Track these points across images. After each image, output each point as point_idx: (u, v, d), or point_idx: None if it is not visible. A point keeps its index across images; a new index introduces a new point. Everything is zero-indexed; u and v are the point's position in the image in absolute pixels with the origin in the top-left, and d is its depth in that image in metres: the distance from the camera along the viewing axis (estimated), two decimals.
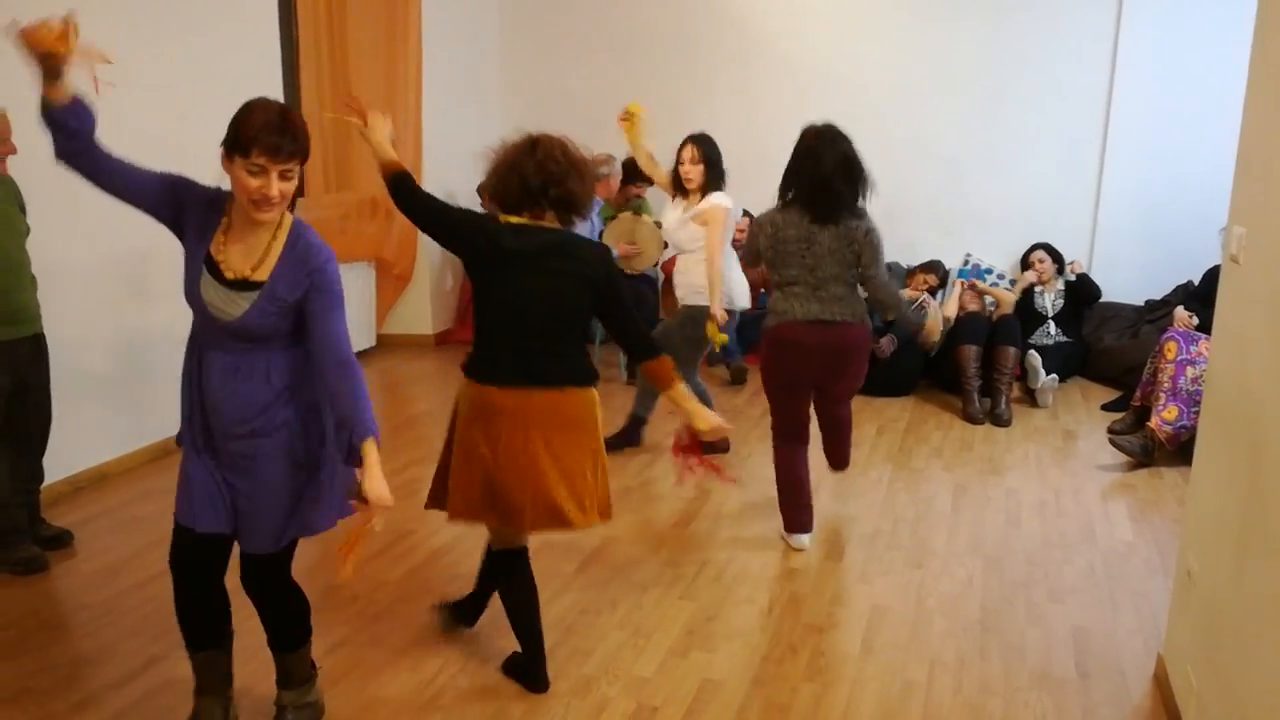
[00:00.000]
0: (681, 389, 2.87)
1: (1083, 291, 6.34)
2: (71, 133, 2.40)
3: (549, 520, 2.79)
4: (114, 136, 4.46)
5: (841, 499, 4.45)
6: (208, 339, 2.41)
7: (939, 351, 6.03)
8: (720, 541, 4.01)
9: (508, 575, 2.96)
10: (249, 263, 2.35)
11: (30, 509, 3.80)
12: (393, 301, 7.21)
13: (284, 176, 2.28)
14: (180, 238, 2.41)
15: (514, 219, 2.78)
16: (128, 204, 2.43)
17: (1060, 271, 6.45)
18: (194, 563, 2.51)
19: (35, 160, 3.77)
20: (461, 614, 3.25)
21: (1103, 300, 6.76)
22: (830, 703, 2.92)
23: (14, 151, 3.52)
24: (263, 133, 2.22)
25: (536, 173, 2.74)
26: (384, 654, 3.13)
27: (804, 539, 3.95)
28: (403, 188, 2.86)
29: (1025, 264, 6.56)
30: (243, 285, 2.34)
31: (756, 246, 3.81)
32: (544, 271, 2.74)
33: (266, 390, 2.38)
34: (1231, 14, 6.21)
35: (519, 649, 2.98)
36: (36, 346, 3.71)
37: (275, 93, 5.36)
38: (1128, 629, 3.37)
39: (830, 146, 3.62)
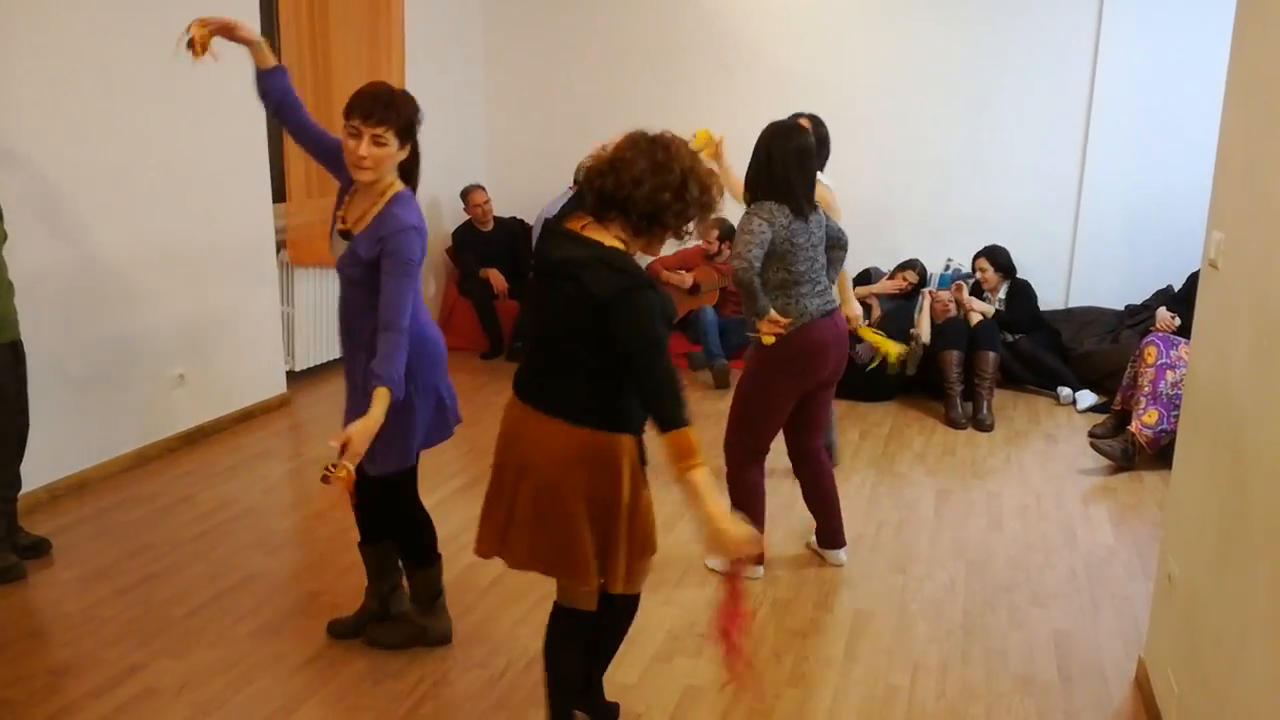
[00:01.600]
0: (702, 478, 2.27)
1: (1016, 302, 6.33)
2: (282, 93, 2.98)
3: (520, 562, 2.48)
4: (88, 167, 4.44)
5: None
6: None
7: (919, 365, 6.05)
8: (702, 548, 3.99)
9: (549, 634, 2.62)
10: (354, 218, 2.80)
11: (8, 517, 3.76)
12: None
13: (376, 141, 2.66)
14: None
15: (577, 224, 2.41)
16: (317, 160, 2.96)
17: (1003, 279, 6.38)
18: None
19: (12, 166, 3.76)
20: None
21: (1083, 305, 6.81)
22: (813, 708, 2.92)
23: None
24: (359, 100, 2.66)
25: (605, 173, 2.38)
26: (365, 664, 3.11)
27: (759, 570, 3.79)
28: None
29: (972, 270, 6.53)
30: (345, 235, 2.80)
31: (766, 244, 3.49)
32: (556, 288, 2.34)
33: (360, 328, 2.81)
34: (1210, 20, 6.26)
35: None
36: (14, 353, 3.67)
37: (252, 99, 5.32)
38: (1109, 632, 3.39)
39: (789, 139, 3.54)
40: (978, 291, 6.36)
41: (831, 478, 3.86)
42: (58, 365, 4.28)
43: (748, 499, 3.66)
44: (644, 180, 2.24)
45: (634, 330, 2.27)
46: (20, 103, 4.03)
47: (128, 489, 4.46)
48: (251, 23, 5.24)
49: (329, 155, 2.90)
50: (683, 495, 2.27)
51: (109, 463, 4.59)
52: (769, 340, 3.52)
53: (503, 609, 3.46)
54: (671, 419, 2.26)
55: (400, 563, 3.17)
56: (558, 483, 2.36)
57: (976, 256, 6.47)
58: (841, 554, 3.89)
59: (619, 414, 2.40)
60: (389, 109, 2.66)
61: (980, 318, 6.06)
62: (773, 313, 3.51)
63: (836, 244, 3.76)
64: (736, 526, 2.24)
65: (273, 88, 2.96)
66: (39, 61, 4.10)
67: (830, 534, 3.88)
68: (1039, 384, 6.24)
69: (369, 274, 2.71)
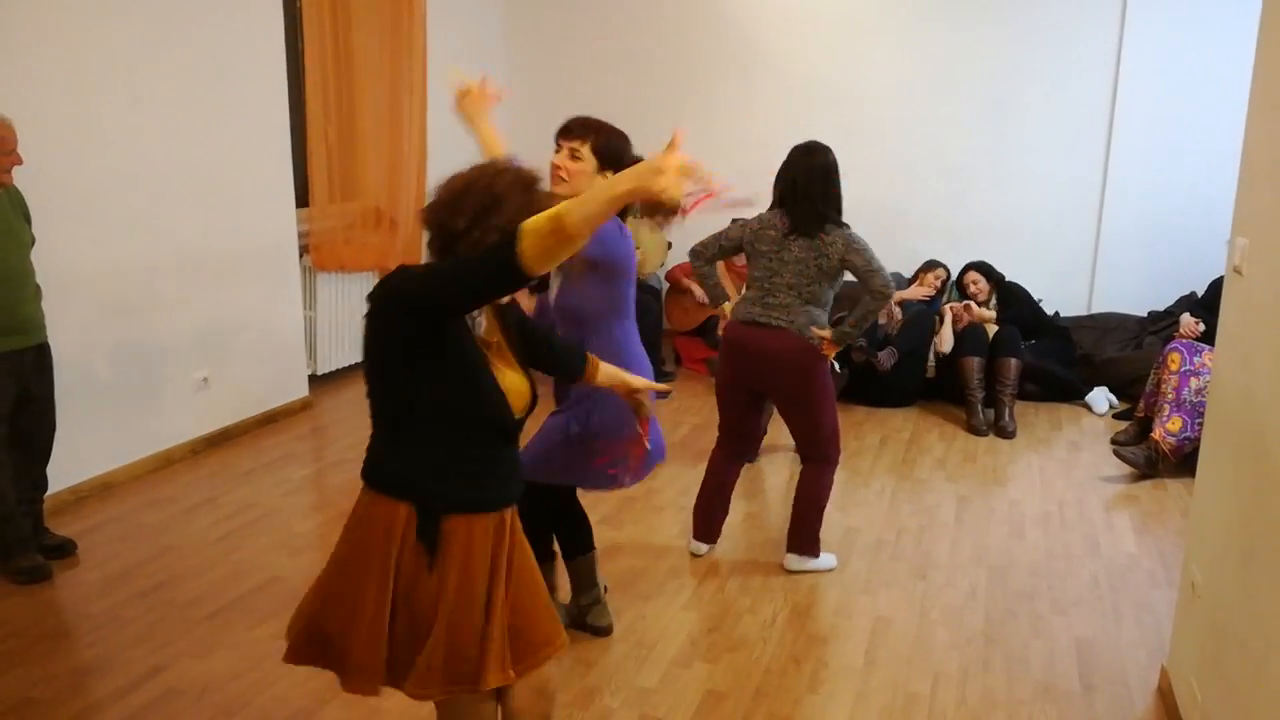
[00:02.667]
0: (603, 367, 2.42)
1: (1011, 302, 6.26)
2: None
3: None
4: (114, 173, 4.48)
5: (845, 510, 4.44)
6: None
7: (940, 363, 6.03)
8: (722, 552, 4.00)
9: None
10: None
11: (34, 518, 3.81)
12: None
13: (572, 155, 2.91)
14: None
15: None
16: None
17: (996, 290, 6.34)
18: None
19: (41, 170, 3.80)
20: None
21: (1106, 311, 6.76)
22: (833, 715, 2.91)
23: (20, 162, 3.52)
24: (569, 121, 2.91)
25: None
26: None
27: (702, 547, 3.98)
28: None
29: (960, 284, 6.49)
30: None
31: (734, 239, 3.78)
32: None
33: None
34: (1236, 25, 6.21)
35: None
36: (41, 356, 3.71)
37: (280, 101, 5.38)
38: (1131, 641, 3.36)
39: (807, 158, 3.66)
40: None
41: (804, 483, 3.83)
42: (84, 368, 4.32)
43: (705, 477, 3.98)
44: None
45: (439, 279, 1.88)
46: (47, 109, 4.07)
47: (151, 491, 4.50)
48: (276, 28, 5.30)
49: None
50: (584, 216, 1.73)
51: (133, 465, 4.64)
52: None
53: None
54: (501, 252, 1.75)
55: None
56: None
57: (965, 270, 6.41)
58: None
59: (391, 469, 2.01)
60: (583, 125, 2.95)
61: (985, 320, 6.04)
62: (725, 306, 3.89)
63: (866, 286, 3.63)
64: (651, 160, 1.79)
65: None
66: (66, 69, 4.15)
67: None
68: (1048, 398, 6.18)
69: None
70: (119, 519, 4.20)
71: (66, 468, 4.18)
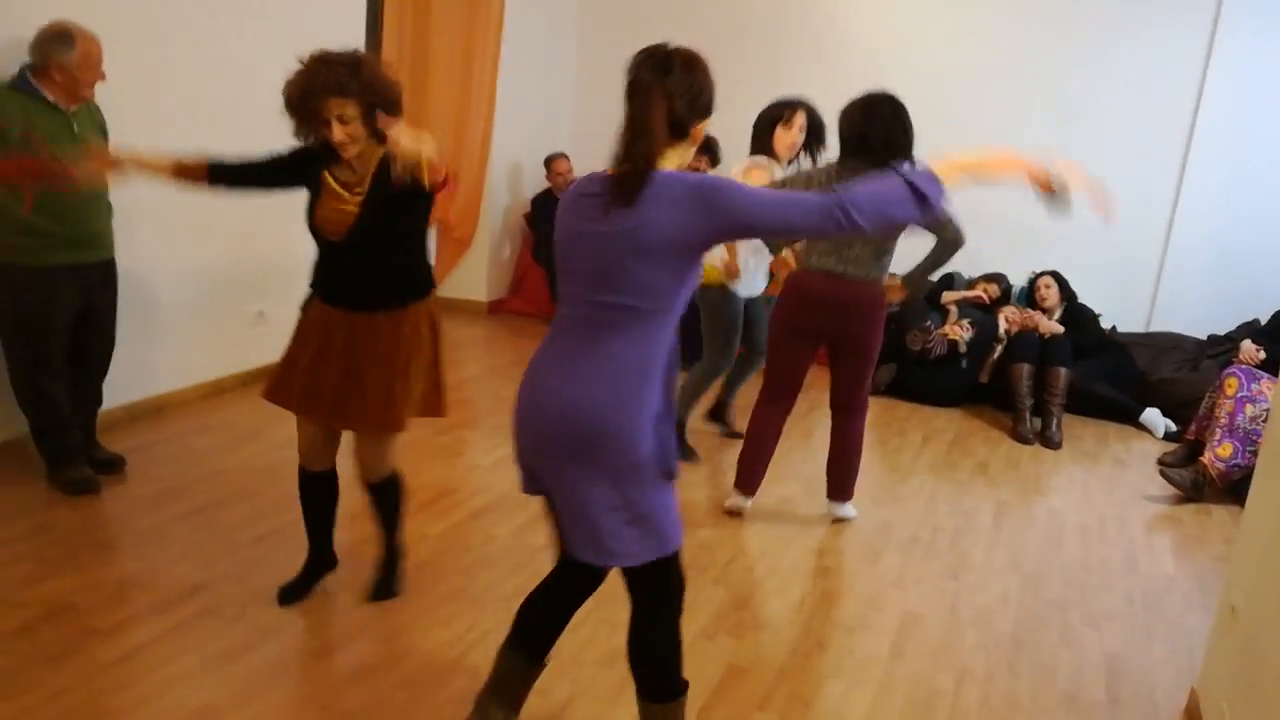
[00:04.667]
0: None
1: (1080, 324, 6.19)
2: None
3: None
4: (197, 114, 4.54)
5: (880, 504, 4.42)
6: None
7: (992, 378, 5.98)
8: (755, 532, 4.01)
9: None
10: None
11: (86, 431, 3.89)
12: (451, 266, 7.26)
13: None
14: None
15: None
16: None
17: (1063, 299, 6.26)
18: None
19: (122, 88, 3.86)
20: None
21: (1165, 331, 6.65)
22: (855, 702, 2.91)
23: (103, 78, 3.58)
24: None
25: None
26: (417, 607, 3.17)
27: (745, 501, 4.08)
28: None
29: (1031, 289, 6.41)
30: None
31: (798, 186, 3.72)
32: None
33: None
34: None
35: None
36: (107, 272, 3.79)
37: (357, 39, 5.40)
38: (1162, 660, 3.33)
39: (891, 109, 3.66)
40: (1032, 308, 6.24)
41: (849, 447, 4.05)
42: (147, 289, 4.40)
43: (749, 430, 4.06)
44: None
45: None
46: (127, 31, 4.13)
47: (203, 416, 4.58)
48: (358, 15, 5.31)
49: None
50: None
51: (187, 389, 4.73)
52: (777, 274, 4.02)
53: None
54: None
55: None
56: None
57: (1040, 275, 6.34)
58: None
59: None
60: None
61: (1053, 331, 5.96)
62: (785, 253, 3.91)
63: (938, 235, 3.75)
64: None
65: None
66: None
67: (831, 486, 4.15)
68: (1095, 415, 6.10)
69: None
70: (169, 440, 4.28)
71: (122, 385, 4.27)
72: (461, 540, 3.67)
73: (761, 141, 4.39)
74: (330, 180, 2.84)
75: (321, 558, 3.20)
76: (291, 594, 3.13)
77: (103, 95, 3.67)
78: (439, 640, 3.00)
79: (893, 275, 3.92)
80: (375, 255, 2.83)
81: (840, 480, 4.10)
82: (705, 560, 3.72)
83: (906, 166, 2.02)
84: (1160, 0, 6.48)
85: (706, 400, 5.11)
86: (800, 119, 4.38)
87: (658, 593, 2.25)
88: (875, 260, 3.77)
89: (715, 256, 4.41)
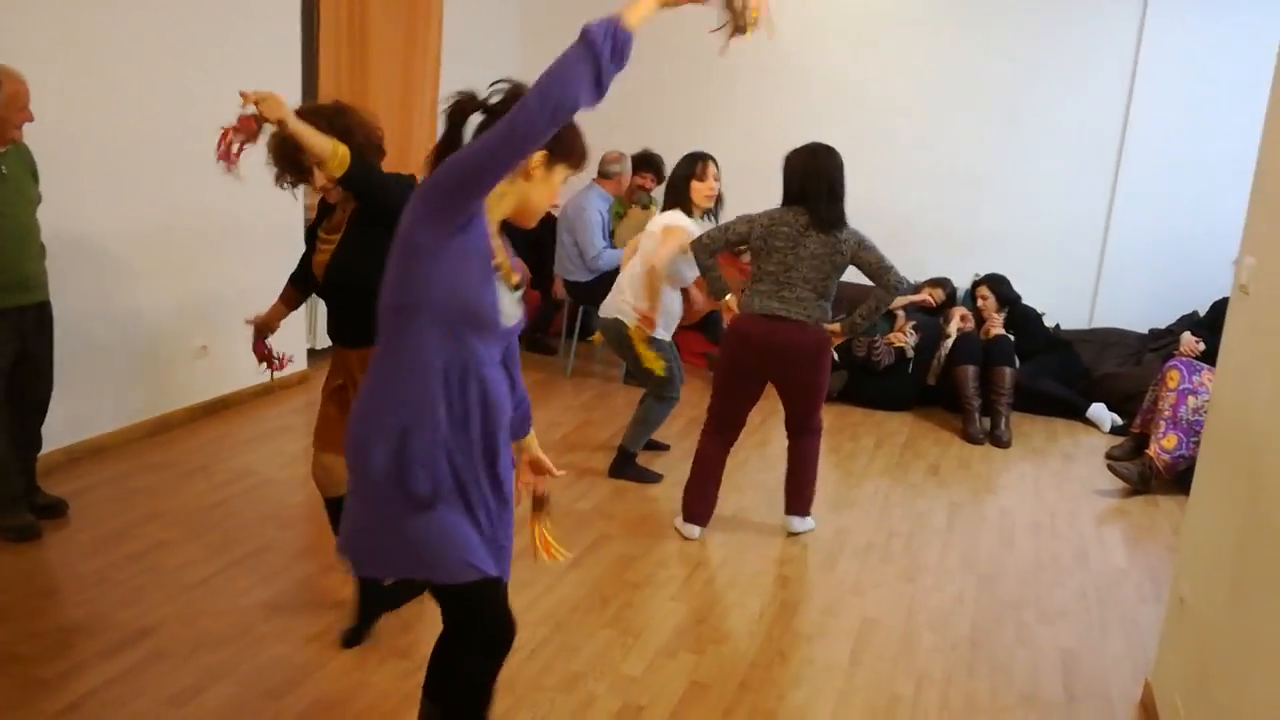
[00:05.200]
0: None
1: (1024, 326, 6.26)
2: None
3: None
4: (126, 136, 4.48)
5: (836, 510, 4.45)
6: (482, 355, 2.01)
7: (941, 370, 6.04)
8: (714, 545, 4.01)
9: None
10: (506, 263, 2.07)
11: (27, 476, 3.80)
12: None
13: None
14: (464, 228, 1.92)
15: None
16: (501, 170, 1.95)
17: (1000, 308, 6.33)
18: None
19: (50, 128, 3.78)
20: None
21: (1106, 326, 6.77)
22: (816, 711, 2.92)
23: (30, 119, 3.51)
24: (583, 152, 2.13)
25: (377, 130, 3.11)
26: (372, 640, 3.12)
27: (695, 530, 4.06)
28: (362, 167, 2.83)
29: (972, 296, 6.48)
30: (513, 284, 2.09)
31: (741, 234, 3.87)
32: None
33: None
34: (1252, 44, 6.22)
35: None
36: (42, 315, 3.71)
37: (293, 72, 5.37)
38: (1116, 654, 3.37)
39: (827, 159, 3.81)
40: (978, 319, 6.29)
41: (801, 452, 4.11)
42: (84, 329, 4.32)
43: (695, 462, 4.09)
44: None
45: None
46: (60, 68, 4.06)
47: (145, 456, 4.49)
48: (293, 17, 5.29)
49: None
50: None
51: (128, 429, 4.63)
52: (697, 309, 4.33)
53: (511, 594, 3.45)
54: None
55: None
56: None
57: (977, 284, 6.43)
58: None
59: None
60: None
61: (998, 333, 6.03)
62: (729, 299, 4.00)
63: (877, 283, 3.82)
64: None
65: None
66: (75, 28, 4.14)
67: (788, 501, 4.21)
68: (1046, 413, 6.18)
69: None
70: (112, 481, 4.19)
71: (62, 428, 4.18)
72: None
73: (679, 194, 4.53)
74: (320, 231, 3.09)
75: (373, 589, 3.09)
76: (355, 637, 3.09)
77: (31, 136, 3.59)
78: (395, 672, 2.96)
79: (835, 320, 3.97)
80: (356, 293, 2.83)
81: (798, 494, 4.13)
82: (664, 576, 3.71)
83: (593, 25, 2.04)
84: (1087, 1, 6.61)
85: (617, 426, 5.14)
86: (713, 169, 4.55)
87: (457, 626, 2.18)
88: (816, 302, 3.82)
89: (628, 316, 4.55)
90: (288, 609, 3.28)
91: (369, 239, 2.80)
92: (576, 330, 6.52)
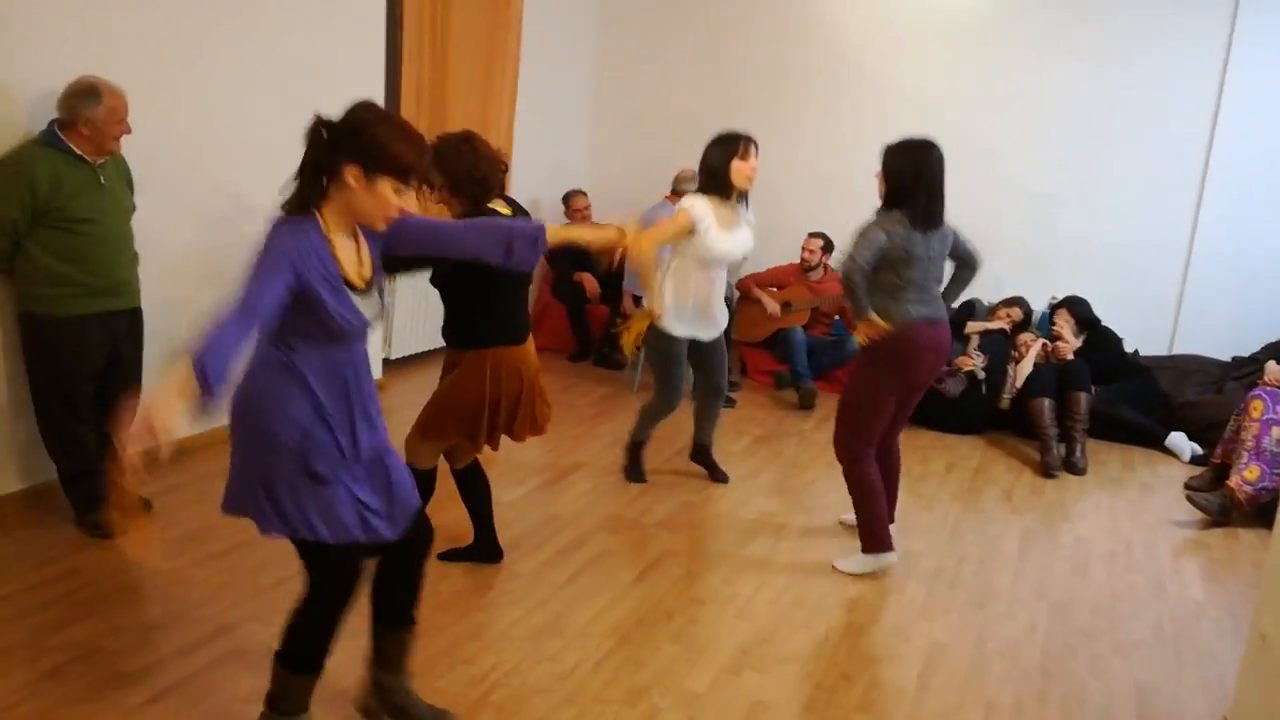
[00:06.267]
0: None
1: (1099, 343, 6.15)
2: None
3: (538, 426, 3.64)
4: (218, 145, 4.62)
5: (906, 533, 4.40)
6: (341, 356, 2.36)
7: (1012, 404, 5.95)
8: (779, 565, 4.00)
9: (478, 475, 3.71)
10: (357, 268, 2.35)
11: None
12: None
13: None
14: (310, 288, 2.24)
15: (498, 206, 3.39)
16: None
17: (1080, 331, 6.23)
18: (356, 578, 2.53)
19: (147, 141, 3.93)
20: (488, 552, 3.80)
21: (1188, 353, 6.61)
22: None
23: (129, 131, 3.65)
24: (419, 162, 2.29)
25: (490, 162, 3.35)
26: (440, 646, 3.17)
27: (894, 556, 3.99)
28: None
29: (1049, 320, 6.38)
30: (365, 287, 2.36)
31: (883, 247, 3.68)
32: None
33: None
34: None
35: (473, 543, 3.77)
36: (133, 320, 3.85)
37: (375, 88, 5.50)
38: (1192, 689, 3.29)
39: (937, 156, 3.74)
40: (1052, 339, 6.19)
41: (898, 471, 4.16)
42: (171, 335, 4.45)
43: (864, 494, 3.91)
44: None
45: None
46: (159, 83, 4.22)
47: (226, 460, 4.60)
48: (378, 24, 5.43)
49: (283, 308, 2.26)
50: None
51: (210, 433, 4.75)
52: (861, 340, 3.82)
53: (577, 606, 3.50)
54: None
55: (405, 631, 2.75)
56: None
57: (1055, 307, 6.34)
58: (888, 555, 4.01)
59: None
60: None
61: (1070, 358, 5.92)
62: (873, 315, 3.75)
63: (965, 264, 4.03)
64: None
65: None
66: (170, 38, 4.29)
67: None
68: (1119, 440, 6.04)
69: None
70: (193, 483, 4.31)
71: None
72: (483, 578, 3.68)
73: (718, 177, 4.31)
74: None
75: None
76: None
77: (129, 148, 3.74)
78: (462, 679, 3.00)
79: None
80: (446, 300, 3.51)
81: (891, 495, 4.13)
82: (728, 594, 3.71)
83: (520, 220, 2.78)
84: (1173, 20, 6.49)
85: (682, 441, 5.21)
86: (754, 149, 4.35)
87: (309, 572, 2.51)
88: (941, 298, 3.91)
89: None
90: (360, 612, 3.33)
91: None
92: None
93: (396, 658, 2.72)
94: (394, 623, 2.68)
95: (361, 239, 2.39)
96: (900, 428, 4.09)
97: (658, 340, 4.50)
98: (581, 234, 2.84)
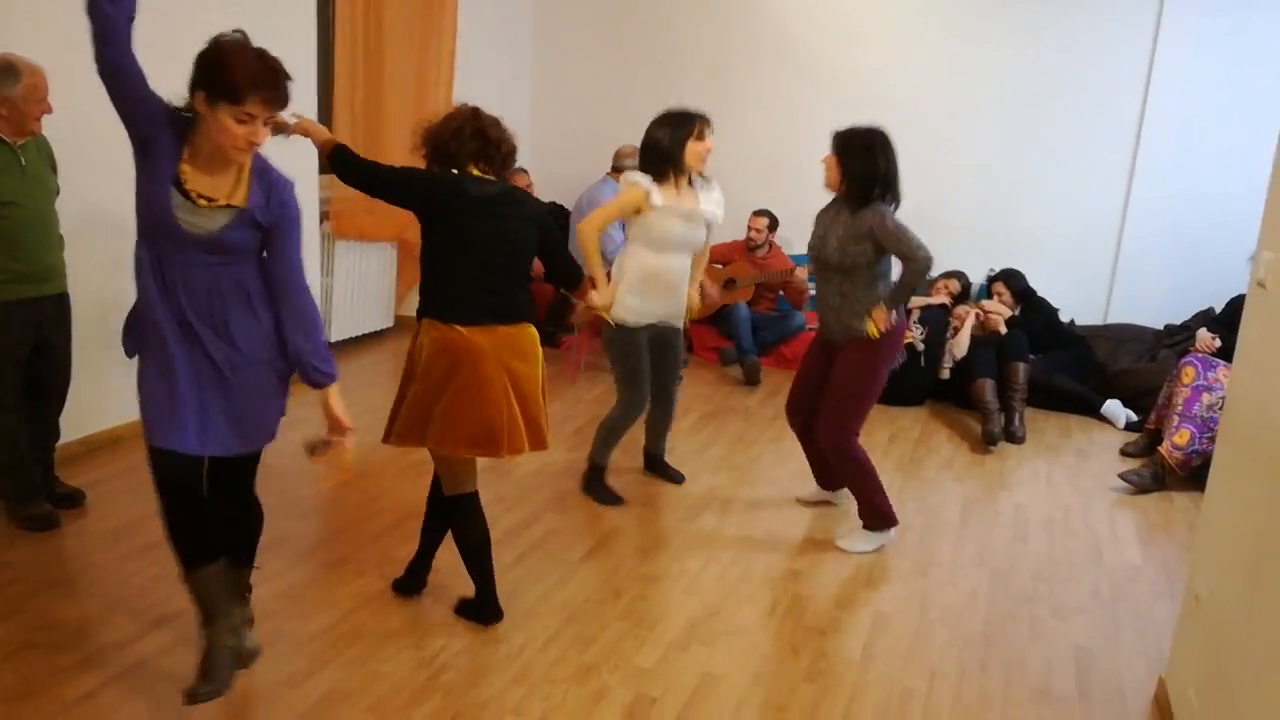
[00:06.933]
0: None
1: (1031, 311, 6.27)
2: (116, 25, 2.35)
3: (529, 441, 3.08)
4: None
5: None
6: (173, 254, 2.46)
7: (952, 374, 6.03)
8: (726, 539, 4.01)
9: (467, 517, 3.14)
10: (220, 191, 2.45)
11: (45, 466, 3.83)
12: (412, 283, 7.21)
13: (269, 123, 2.45)
14: (143, 152, 2.42)
15: (473, 170, 3.06)
16: (123, 106, 2.40)
17: (1016, 303, 6.32)
18: (188, 480, 2.63)
19: (69, 121, 3.81)
20: (413, 583, 3.39)
21: (1122, 322, 6.74)
22: (829, 706, 2.92)
23: (49, 111, 3.53)
24: (256, 85, 2.32)
25: (493, 129, 3.08)
26: (387, 629, 3.14)
27: (894, 532, 4.06)
28: (344, 158, 3.10)
29: (986, 292, 6.49)
30: (214, 206, 2.45)
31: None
32: (504, 216, 3.05)
33: (245, 303, 2.55)
34: (1269, 40, 6.19)
35: (473, 593, 3.24)
36: (60, 305, 3.73)
37: (308, 68, 5.39)
38: (1130, 650, 3.36)
39: (884, 141, 3.87)
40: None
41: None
42: (101, 320, 4.34)
43: (863, 473, 3.95)
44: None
45: (554, 226, 3.28)
46: (77, 60, 4.08)
47: None
48: (309, 13, 5.30)
49: (145, 109, 2.40)
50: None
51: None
52: (876, 331, 3.81)
53: (526, 586, 3.48)
54: (582, 274, 3.47)
55: (242, 566, 2.90)
56: (531, 371, 3.09)
57: (993, 280, 6.44)
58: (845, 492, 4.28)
59: (535, 309, 3.20)
60: (286, 90, 2.42)
61: (1002, 331, 6.01)
62: (879, 310, 3.82)
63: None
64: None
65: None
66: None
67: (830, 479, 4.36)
68: (1056, 408, 6.14)
69: (256, 240, 2.53)
70: (128, 472, 4.22)
71: (79, 419, 4.21)
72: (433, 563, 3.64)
73: (670, 158, 4.03)
74: None
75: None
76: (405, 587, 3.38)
77: (50, 127, 3.62)
78: (410, 662, 2.97)
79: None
80: None
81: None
82: (676, 570, 3.72)
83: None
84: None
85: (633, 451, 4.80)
86: (709, 129, 4.13)
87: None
88: None
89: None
90: (300, 601, 3.30)
91: None
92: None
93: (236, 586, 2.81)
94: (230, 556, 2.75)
95: (233, 172, 2.47)
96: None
97: (615, 334, 4.12)
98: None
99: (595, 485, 4.34)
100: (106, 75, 2.33)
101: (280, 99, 2.40)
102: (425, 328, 3.03)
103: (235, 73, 2.30)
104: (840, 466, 3.98)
